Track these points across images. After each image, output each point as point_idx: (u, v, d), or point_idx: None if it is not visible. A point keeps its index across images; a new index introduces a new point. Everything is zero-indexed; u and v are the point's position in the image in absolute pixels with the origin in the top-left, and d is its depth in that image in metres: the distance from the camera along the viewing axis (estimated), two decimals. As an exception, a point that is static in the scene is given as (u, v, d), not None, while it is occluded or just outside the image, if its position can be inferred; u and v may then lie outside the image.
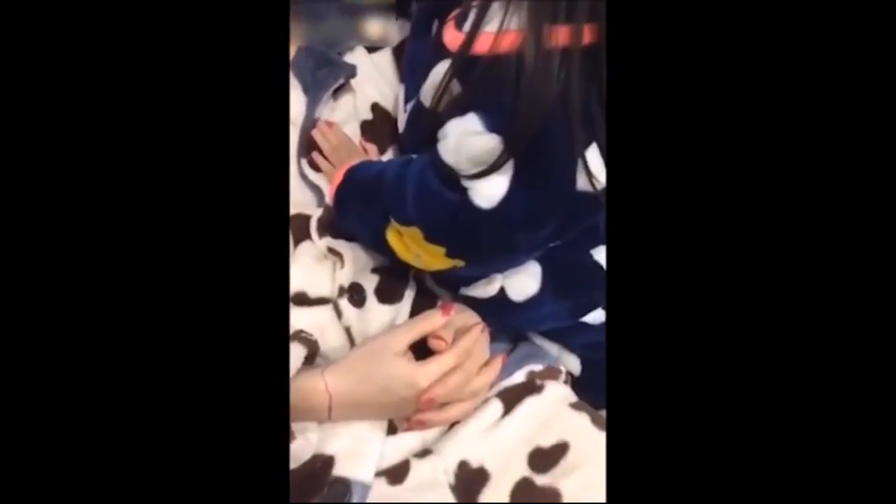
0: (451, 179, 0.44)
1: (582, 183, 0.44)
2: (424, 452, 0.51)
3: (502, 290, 0.56)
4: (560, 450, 0.54)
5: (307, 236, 0.58)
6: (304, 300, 0.57)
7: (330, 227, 0.59)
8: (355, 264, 0.59)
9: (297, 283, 0.57)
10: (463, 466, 0.54)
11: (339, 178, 0.56)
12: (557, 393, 0.59)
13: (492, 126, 0.42)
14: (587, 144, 0.42)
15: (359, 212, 0.54)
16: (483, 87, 0.42)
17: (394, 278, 0.60)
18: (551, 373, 0.62)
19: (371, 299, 0.59)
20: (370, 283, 0.60)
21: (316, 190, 0.60)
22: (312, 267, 0.58)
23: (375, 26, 0.57)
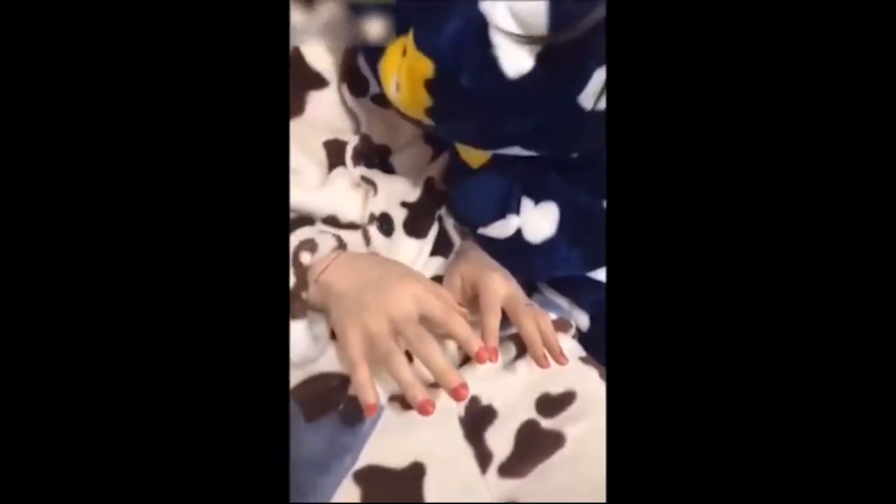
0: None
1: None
2: (434, 385, 0.52)
3: (519, 231, 0.57)
4: (567, 398, 0.56)
5: (342, 162, 0.59)
6: (335, 222, 0.58)
7: (365, 157, 0.59)
8: (387, 196, 0.59)
9: (328, 205, 0.57)
10: (473, 401, 0.55)
11: None
12: (566, 346, 0.60)
13: None
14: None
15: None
16: None
17: (421, 213, 0.61)
18: (562, 325, 0.64)
19: (399, 230, 0.60)
20: (399, 214, 0.60)
21: (353, 116, 0.60)
22: (345, 192, 0.58)
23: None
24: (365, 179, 0.58)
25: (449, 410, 0.52)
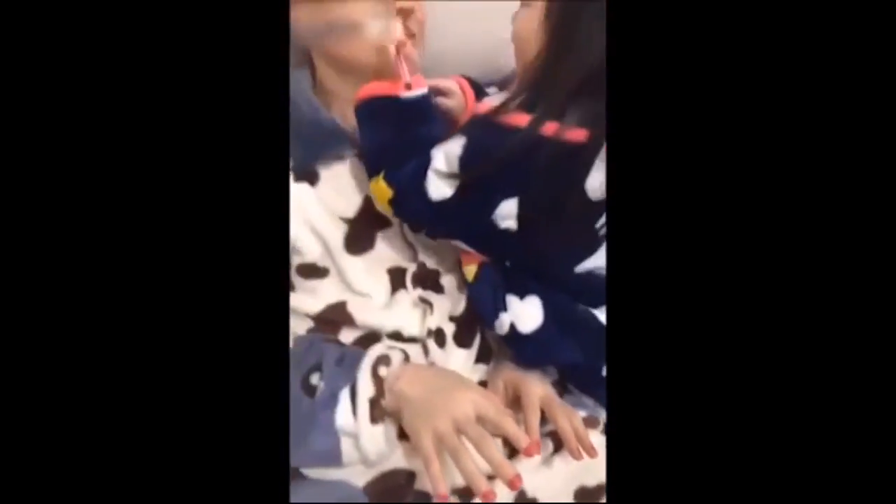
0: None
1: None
2: (491, 476, 0.61)
3: (513, 325, 0.67)
4: (601, 490, 0.64)
5: (403, 285, 0.70)
6: (398, 337, 0.69)
7: (422, 280, 0.71)
8: (440, 313, 0.70)
9: (393, 323, 0.69)
10: (520, 493, 0.64)
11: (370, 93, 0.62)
12: (596, 440, 0.69)
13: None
14: None
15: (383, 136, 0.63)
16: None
17: (466, 326, 0.72)
18: (591, 421, 0.73)
19: (450, 342, 0.71)
20: (450, 328, 0.71)
21: (411, 248, 0.71)
22: (407, 312, 0.69)
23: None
24: (422, 300, 0.70)
25: None
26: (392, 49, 0.61)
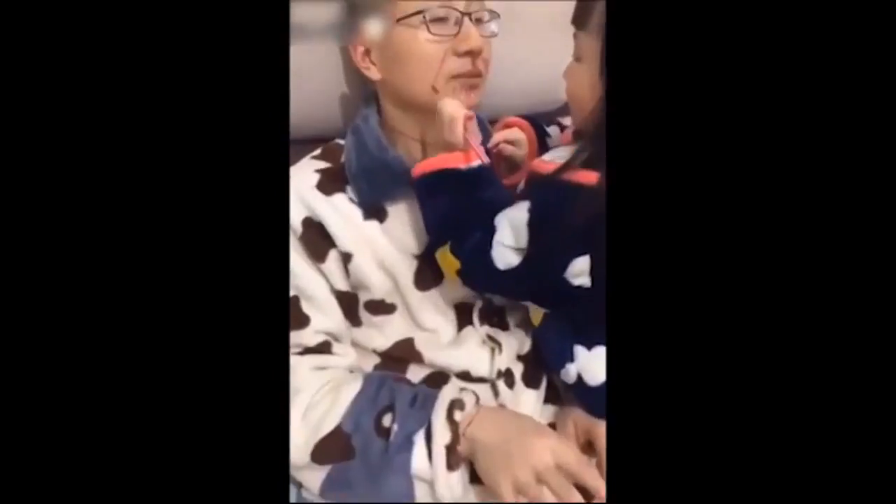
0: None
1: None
2: None
3: (580, 376, 0.65)
4: None
5: (470, 321, 0.69)
6: (467, 377, 0.68)
7: (488, 317, 0.70)
8: (508, 352, 0.69)
9: (462, 363, 0.68)
10: None
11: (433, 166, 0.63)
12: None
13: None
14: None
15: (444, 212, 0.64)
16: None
17: (534, 366, 0.71)
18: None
19: (519, 383, 0.69)
20: (518, 368, 0.70)
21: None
22: (475, 351, 0.69)
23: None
24: (491, 338, 0.69)
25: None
26: (460, 125, 0.61)
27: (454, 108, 0.62)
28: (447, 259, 0.63)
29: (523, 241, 0.59)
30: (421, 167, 0.63)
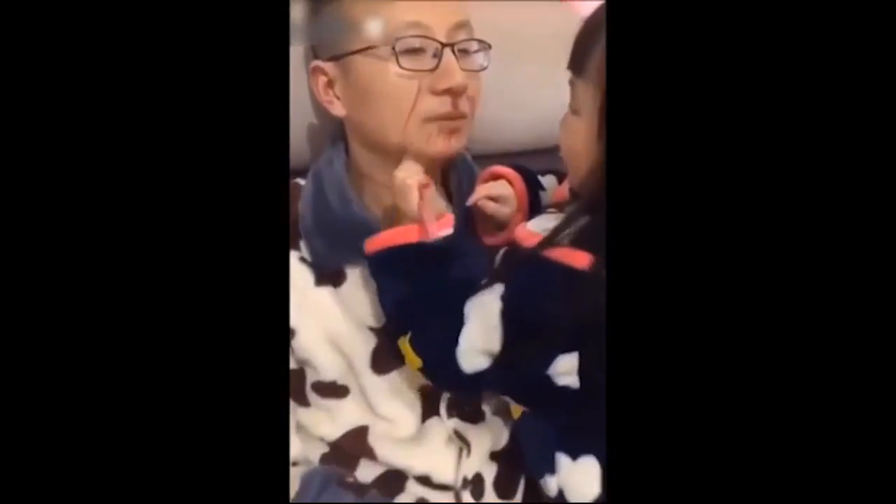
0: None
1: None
2: None
3: (561, 493, 0.53)
4: None
5: (436, 411, 0.58)
6: (427, 482, 0.57)
7: (458, 407, 0.59)
8: (479, 452, 0.58)
9: (422, 463, 0.57)
10: None
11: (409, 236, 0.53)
12: None
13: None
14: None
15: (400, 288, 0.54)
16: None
17: (510, 469, 0.59)
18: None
19: (489, 491, 0.58)
20: (490, 471, 0.59)
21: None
22: (439, 451, 0.57)
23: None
24: (459, 435, 0.58)
25: None
26: (414, 195, 0.51)
27: (407, 175, 0.52)
28: (408, 351, 0.52)
29: (495, 342, 0.48)
30: (372, 243, 0.52)
